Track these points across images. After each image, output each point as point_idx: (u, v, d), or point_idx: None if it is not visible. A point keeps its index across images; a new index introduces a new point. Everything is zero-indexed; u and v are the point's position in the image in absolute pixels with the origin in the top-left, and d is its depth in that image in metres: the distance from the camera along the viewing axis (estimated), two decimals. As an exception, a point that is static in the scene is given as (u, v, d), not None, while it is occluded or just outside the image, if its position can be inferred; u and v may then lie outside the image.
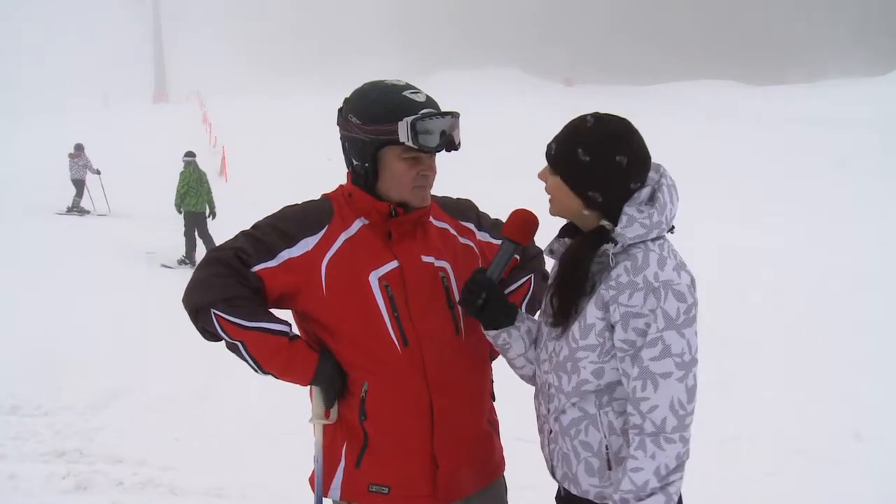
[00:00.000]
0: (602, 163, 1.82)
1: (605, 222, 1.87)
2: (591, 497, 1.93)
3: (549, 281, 2.00)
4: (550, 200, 1.95)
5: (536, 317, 2.16)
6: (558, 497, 2.12)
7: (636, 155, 1.85)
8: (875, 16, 59.48)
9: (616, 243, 1.82)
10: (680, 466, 1.79)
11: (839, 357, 6.82)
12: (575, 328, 1.87)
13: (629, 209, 1.83)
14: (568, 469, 1.96)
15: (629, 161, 1.83)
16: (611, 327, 1.82)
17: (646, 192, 1.88)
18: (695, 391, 1.80)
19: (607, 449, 1.89)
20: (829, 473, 4.64)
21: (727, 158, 21.45)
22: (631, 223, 1.82)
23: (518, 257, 2.30)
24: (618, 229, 1.82)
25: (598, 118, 1.88)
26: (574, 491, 1.96)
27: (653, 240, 1.85)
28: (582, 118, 1.90)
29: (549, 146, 1.93)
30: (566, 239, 1.97)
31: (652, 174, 1.91)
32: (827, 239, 11.97)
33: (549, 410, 1.99)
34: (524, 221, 2.06)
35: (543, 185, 1.96)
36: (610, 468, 1.89)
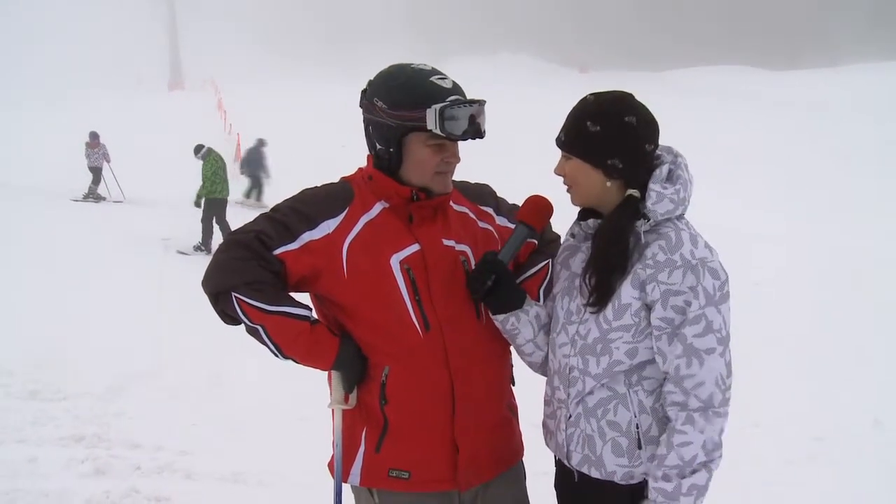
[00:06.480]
0: (612, 127, 1.86)
1: (631, 191, 1.88)
2: (616, 478, 1.92)
3: (585, 262, 1.97)
4: (571, 189, 1.96)
5: (542, 302, 2.16)
6: (565, 483, 2.09)
7: (642, 114, 1.89)
8: (894, -1, 58.76)
9: (647, 220, 1.84)
10: (720, 443, 1.81)
11: (858, 344, 6.76)
12: (608, 309, 1.87)
13: (654, 185, 1.86)
14: (590, 451, 1.94)
15: (637, 120, 1.87)
16: (646, 307, 1.83)
17: (665, 169, 1.90)
18: (731, 366, 1.82)
19: (637, 428, 1.88)
20: (848, 461, 4.62)
21: (742, 143, 21.28)
22: (660, 199, 1.85)
23: (536, 242, 2.30)
24: (648, 205, 1.84)
25: (596, 94, 1.94)
26: (596, 474, 1.95)
27: (677, 217, 1.88)
28: (581, 100, 1.95)
29: (557, 137, 1.96)
30: (590, 221, 1.96)
31: (666, 154, 1.94)
32: (845, 224, 11.87)
33: (569, 395, 1.98)
34: (539, 206, 2.08)
35: (561, 179, 1.96)
36: (640, 447, 1.89)
